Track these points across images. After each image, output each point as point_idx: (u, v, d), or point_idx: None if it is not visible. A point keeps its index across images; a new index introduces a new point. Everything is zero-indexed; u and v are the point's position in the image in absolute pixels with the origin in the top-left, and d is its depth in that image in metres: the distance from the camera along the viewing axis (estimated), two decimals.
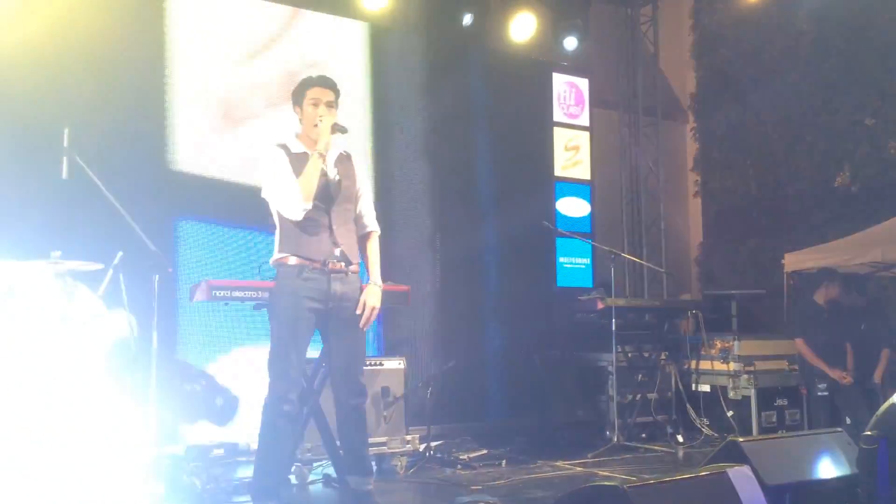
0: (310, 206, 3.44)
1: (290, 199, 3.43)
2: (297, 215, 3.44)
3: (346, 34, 6.25)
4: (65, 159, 3.79)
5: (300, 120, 3.63)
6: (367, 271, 3.68)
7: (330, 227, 3.50)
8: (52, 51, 4.91)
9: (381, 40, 6.40)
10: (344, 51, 6.20)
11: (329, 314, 3.51)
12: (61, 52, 4.95)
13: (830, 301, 5.71)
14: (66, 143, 3.80)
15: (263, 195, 3.56)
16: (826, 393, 5.54)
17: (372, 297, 3.56)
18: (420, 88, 6.54)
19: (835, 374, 5.47)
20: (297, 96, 3.64)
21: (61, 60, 4.95)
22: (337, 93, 3.64)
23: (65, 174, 3.67)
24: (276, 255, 3.53)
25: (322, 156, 3.46)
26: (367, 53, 6.33)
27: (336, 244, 3.51)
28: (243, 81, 5.72)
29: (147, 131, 5.32)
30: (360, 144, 5.99)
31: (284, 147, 3.57)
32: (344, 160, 3.68)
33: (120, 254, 3.83)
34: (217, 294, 3.98)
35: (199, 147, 5.50)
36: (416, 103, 6.52)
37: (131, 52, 5.25)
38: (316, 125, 3.52)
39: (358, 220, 3.69)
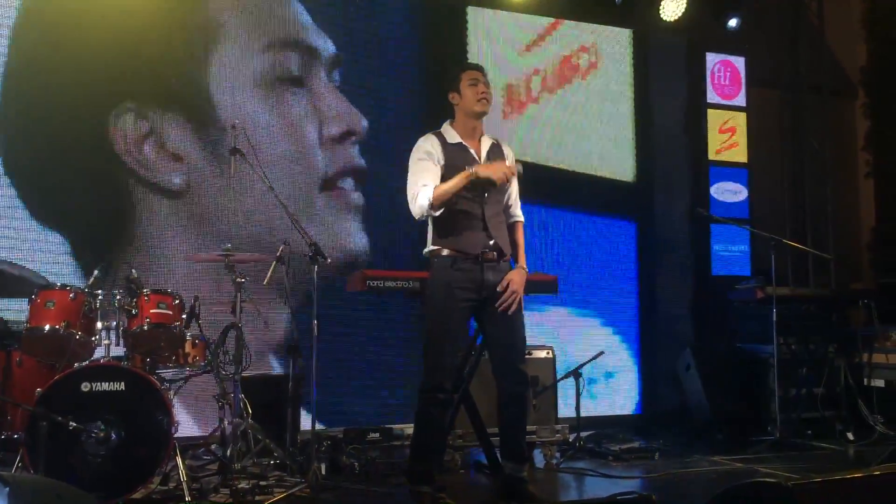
0: (435, 213, 3.47)
1: (420, 197, 3.45)
2: (416, 213, 3.50)
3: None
4: (233, 159, 4.14)
5: (457, 105, 3.64)
6: (514, 258, 3.70)
7: (483, 219, 3.53)
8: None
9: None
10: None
11: (484, 303, 3.55)
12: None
13: None
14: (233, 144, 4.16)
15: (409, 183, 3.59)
16: None
17: (516, 279, 3.55)
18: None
19: None
20: (454, 82, 3.62)
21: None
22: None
23: (233, 171, 4.03)
24: (430, 245, 3.59)
25: (469, 176, 3.40)
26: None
27: (490, 236, 3.54)
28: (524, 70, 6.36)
29: None
30: None
31: (440, 136, 3.63)
32: (496, 150, 3.69)
33: (282, 246, 4.08)
34: (371, 284, 4.14)
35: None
36: None
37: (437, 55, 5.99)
38: (480, 99, 3.57)
39: (506, 209, 3.72)
